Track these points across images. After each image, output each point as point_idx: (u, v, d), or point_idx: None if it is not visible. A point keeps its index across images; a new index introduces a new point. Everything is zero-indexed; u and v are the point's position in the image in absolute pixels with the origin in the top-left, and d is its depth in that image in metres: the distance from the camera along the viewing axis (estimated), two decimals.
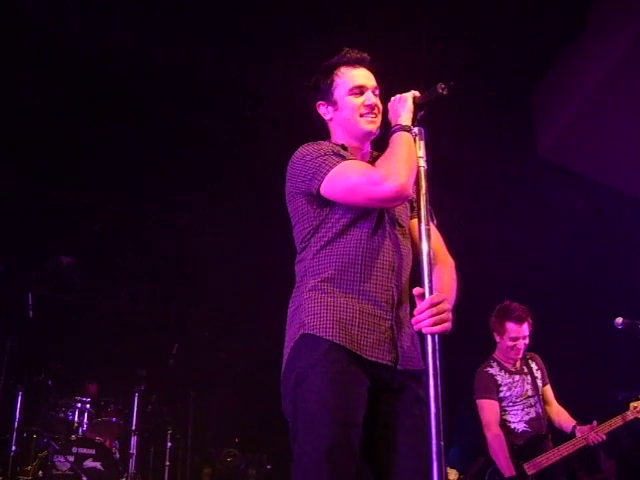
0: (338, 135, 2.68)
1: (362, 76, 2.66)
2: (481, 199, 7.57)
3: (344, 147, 2.59)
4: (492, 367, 4.98)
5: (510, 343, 4.86)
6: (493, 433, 4.72)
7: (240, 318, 8.24)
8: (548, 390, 5.00)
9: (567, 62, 7.28)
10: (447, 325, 2.18)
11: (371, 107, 2.60)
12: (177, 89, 6.31)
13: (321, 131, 2.74)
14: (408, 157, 2.38)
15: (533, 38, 6.94)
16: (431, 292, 2.22)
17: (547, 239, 8.05)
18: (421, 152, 2.39)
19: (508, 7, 6.53)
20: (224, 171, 7.01)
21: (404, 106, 2.49)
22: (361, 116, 2.60)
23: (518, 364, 5.00)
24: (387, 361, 2.37)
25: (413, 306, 2.27)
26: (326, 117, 2.70)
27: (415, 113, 2.48)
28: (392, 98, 2.57)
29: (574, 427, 4.70)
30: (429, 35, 6.29)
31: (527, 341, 4.91)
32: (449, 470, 5.93)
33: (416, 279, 2.35)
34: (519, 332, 4.84)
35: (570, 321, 7.80)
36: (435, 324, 2.15)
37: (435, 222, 2.63)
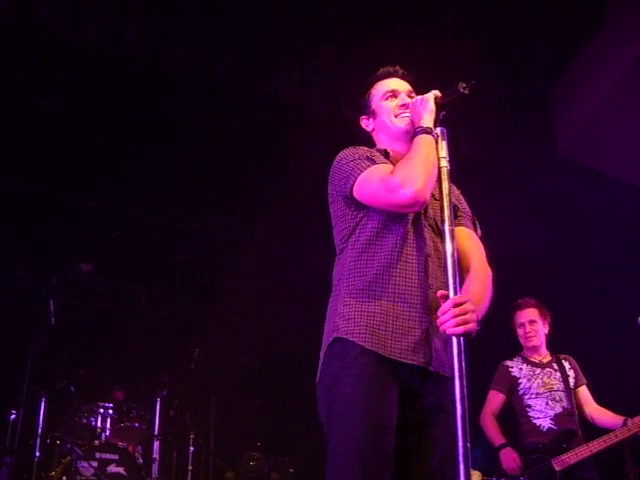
0: (381, 142, 2.78)
1: (394, 83, 2.78)
2: (500, 199, 7.53)
3: (386, 152, 2.67)
4: (512, 360, 5.08)
5: (520, 331, 5.04)
6: (485, 415, 4.96)
7: (260, 323, 8.25)
8: (585, 391, 4.99)
9: (585, 60, 7.23)
10: (471, 326, 2.17)
11: (405, 106, 2.67)
12: (195, 93, 6.32)
13: (367, 143, 2.83)
14: (426, 161, 2.40)
15: (551, 36, 6.90)
16: (455, 293, 2.21)
17: (568, 238, 8.00)
18: (443, 152, 2.39)
19: (526, 5, 6.50)
20: (243, 177, 7.03)
21: (426, 107, 2.51)
22: (396, 116, 2.69)
23: (546, 359, 5.01)
24: (421, 363, 2.38)
25: None
26: (368, 129, 2.83)
27: (437, 113, 2.49)
28: (414, 99, 2.59)
29: (626, 420, 4.62)
30: (448, 35, 6.26)
31: (537, 327, 5.01)
32: (472, 472, 5.90)
33: (461, 283, 2.34)
34: (522, 317, 5.03)
35: (591, 320, 7.74)
36: (458, 325, 2.14)
37: (479, 233, 2.66)
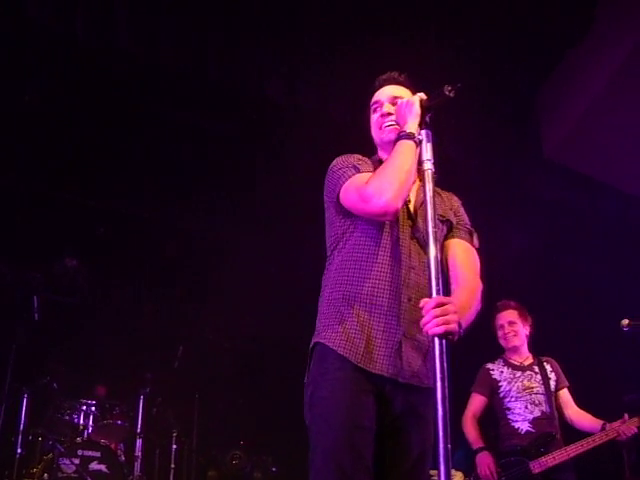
0: (379, 152, 2.83)
1: (379, 93, 2.82)
2: (486, 201, 7.56)
3: (380, 161, 2.71)
4: (494, 363, 5.12)
5: (499, 332, 5.09)
6: (466, 418, 4.98)
7: (245, 322, 8.24)
8: (566, 393, 5.03)
9: (573, 62, 7.26)
10: (452, 327, 2.17)
11: (382, 115, 2.72)
12: (181, 91, 6.31)
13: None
14: (400, 170, 2.44)
15: (540, 37, 6.92)
16: (438, 294, 2.21)
17: (552, 241, 8.04)
18: (428, 155, 2.39)
19: (514, 6, 6.52)
20: (230, 176, 7.02)
21: (411, 111, 2.52)
22: (380, 128, 2.75)
23: (528, 362, 5.04)
24: (390, 374, 2.41)
25: None
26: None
27: (422, 116, 2.49)
28: (399, 102, 2.59)
29: (604, 424, 4.68)
30: (432, 37, 6.28)
31: (516, 328, 5.05)
32: (454, 472, 5.93)
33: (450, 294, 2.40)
34: (502, 319, 5.09)
35: (575, 323, 7.78)
36: (438, 325, 2.15)
37: (476, 244, 2.67)
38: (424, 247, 2.52)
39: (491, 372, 5.04)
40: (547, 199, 7.94)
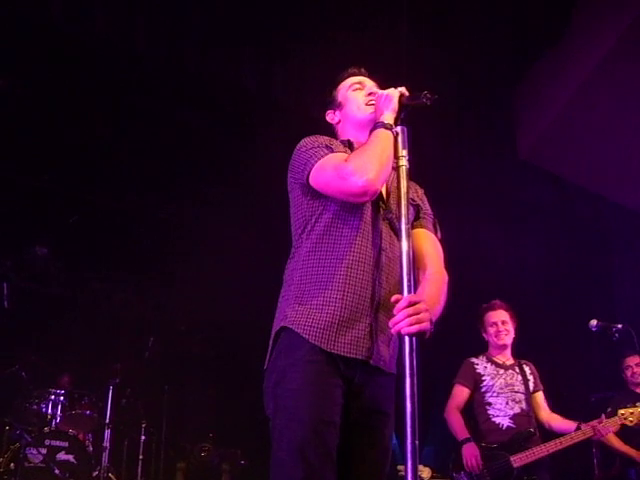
0: (346, 133, 2.77)
1: (360, 77, 2.82)
2: (459, 200, 7.60)
3: (349, 142, 2.67)
4: (477, 357, 5.21)
5: (491, 329, 5.15)
6: (450, 409, 5.05)
7: (216, 313, 8.23)
8: (541, 396, 5.14)
9: (549, 63, 7.32)
10: (424, 326, 2.17)
11: (373, 94, 2.67)
12: (160, 82, 6.29)
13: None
14: (381, 153, 2.40)
15: (515, 38, 6.97)
16: (410, 292, 2.21)
17: (524, 241, 8.10)
18: (404, 152, 2.40)
19: (490, 6, 6.56)
20: (203, 165, 7.01)
21: (388, 105, 2.51)
22: (366, 104, 2.69)
23: (509, 362, 5.16)
24: (363, 356, 2.38)
25: None
26: (334, 121, 2.83)
27: (399, 113, 2.50)
28: (379, 93, 2.59)
29: (579, 424, 4.79)
30: (410, 33, 6.29)
31: (509, 328, 5.15)
32: (422, 468, 5.99)
33: (417, 283, 2.37)
34: (495, 316, 5.15)
35: (544, 323, 7.85)
36: (411, 324, 2.14)
37: (439, 235, 2.68)
38: (395, 229, 2.52)
39: (475, 366, 5.14)
40: (521, 199, 8.01)
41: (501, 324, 5.13)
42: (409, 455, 2.07)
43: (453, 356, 5.37)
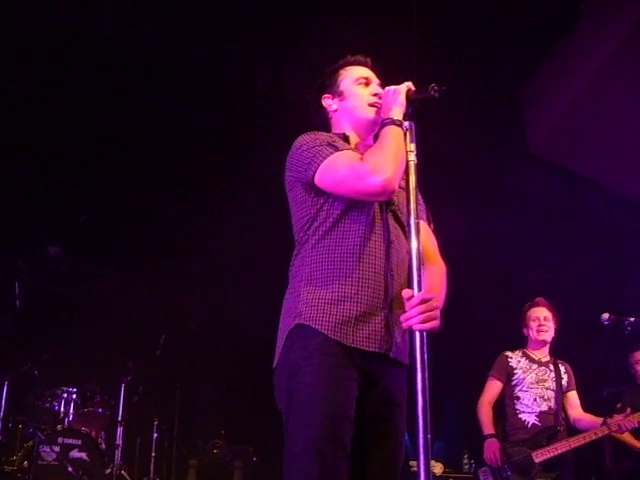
0: (342, 126, 2.71)
1: (366, 71, 2.74)
2: (469, 195, 7.58)
3: (345, 137, 2.62)
4: (513, 352, 5.27)
5: (533, 324, 5.21)
6: (483, 403, 5.11)
7: (228, 311, 8.24)
8: (574, 395, 5.21)
9: (558, 57, 7.28)
10: (436, 323, 2.19)
11: (379, 96, 2.62)
12: (168, 80, 6.28)
13: (320, 127, 2.74)
14: (396, 151, 2.38)
15: (525, 32, 6.94)
16: (420, 289, 2.22)
17: (536, 236, 8.08)
18: (412, 146, 2.40)
19: (500, 1, 6.53)
20: (216, 164, 7.01)
21: (396, 100, 2.49)
22: (370, 105, 2.64)
23: (545, 359, 5.21)
24: (382, 349, 2.38)
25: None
26: (331, 108, 2.74)
27: (407, 108, 2.48)
28: (386, 89, 2.58)
29: (605, 419, 4.86)
30: (420, 27, 6.27)
31: (550, 325, 5.22)
32: (434, 463, 5.99)
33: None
34: (539, 312, 5.22)
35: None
36: (424, 321, 2.16)
37: (432, 227, 2.67)
38: (400, 221, 2.54)
39: (509, 359, 5.20)
40: (531, 193, 7.98)
41: (543, 319, 5.19)
42: (421, 449, 2.07)
43: (464, 350, 5.37)
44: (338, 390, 2.29)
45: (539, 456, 4.74)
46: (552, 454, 4.72)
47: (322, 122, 2.76)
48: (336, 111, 2.73)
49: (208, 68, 6.17)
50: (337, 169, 2.41)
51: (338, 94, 2.73)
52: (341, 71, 2.76)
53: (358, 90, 2.69)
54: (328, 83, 2.76)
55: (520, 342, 5.32)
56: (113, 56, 5.96)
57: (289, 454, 2.27)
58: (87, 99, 6.21)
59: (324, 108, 2.76)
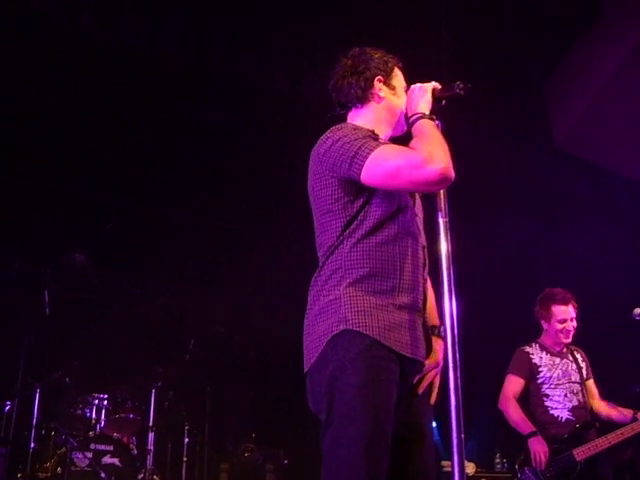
0: (371, 118, 2.64)
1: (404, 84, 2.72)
2: (495, 190, 7.53)
3: (374, 133, 2.53)
4: (531, 347, 5.05)
5: (559, 326, 4.96)
6: (507, 400, 4.86)
7: (255, 314, 8.25)
8: (592, 384, 5.05)
9: (582, 51, 7.23)
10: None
11: None
12: (188, 85, 6.31)
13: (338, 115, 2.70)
14: (442, 141, 2.35)
15: (548, 26, 6.88)
16: (451, 292, 2.22)
17: (562, 231, 8.00)
18: None
19: None
20: (238, 169, 7.02)
21: (423, 97, 2.49)
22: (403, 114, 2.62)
23: (564, 350, 5.03)
24: (423, 357, 2.41)
25: None
26: (380, 93, 2.63)
27: (433, 105, 2.48)
28: (412, 87, 2.57)
29: (636, 413, 4.72)
30: (444, 24, 6.25)
31: (575, 324, 4.99)
32: (467, 463, 5.94)
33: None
34: (566, 313, 4.96)
35: (586, 314, 7.76)
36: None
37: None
38: (421, 226, 2.56)
39: (531, 356, 4.98)
40: (557, 188, 7.92)
41: (570, 321, 4.97)
42: (455, 449, 2.06)
43: (495, 350, 5.31)
44: (383, 392, 2.27)
45: (580, 454, 4.61)
46: (593, 452, 4.59)
47: (347, 97, 2.67)
48: (381, 100, 2.64)
49: (227, 71, 6.18)
50: (390, 160, 2.32)
51: (391, 87, 2.66)
52: (395, 68, 2.70)
53: (403, 97, 2.65)
54: (383, 67, 2.67)
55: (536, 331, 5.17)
56: (131, 62, 6.00)
57: (333, 455, 2.23)
58: (113, 106, 6.25)
59: (371, 87, 2.65)
